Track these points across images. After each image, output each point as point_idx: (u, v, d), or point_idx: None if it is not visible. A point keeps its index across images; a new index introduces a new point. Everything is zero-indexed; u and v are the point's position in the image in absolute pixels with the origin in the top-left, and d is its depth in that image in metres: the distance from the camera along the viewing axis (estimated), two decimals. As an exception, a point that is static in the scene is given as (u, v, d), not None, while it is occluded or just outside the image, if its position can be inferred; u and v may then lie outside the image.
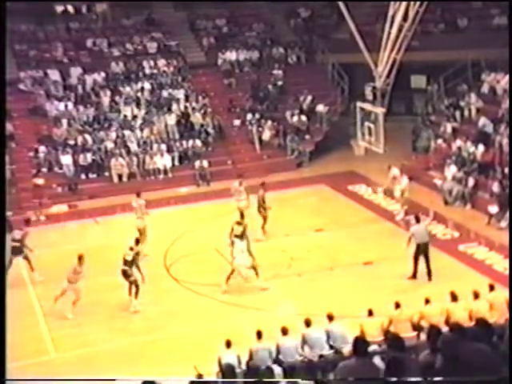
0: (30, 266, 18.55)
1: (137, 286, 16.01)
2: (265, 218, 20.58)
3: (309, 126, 29.32)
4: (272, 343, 12.01)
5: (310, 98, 30.22)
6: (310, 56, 32.52)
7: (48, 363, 14.31)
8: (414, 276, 16.93)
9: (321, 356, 11.72)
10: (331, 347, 12.00)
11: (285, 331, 12.18)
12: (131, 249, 16.19)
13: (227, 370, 10.67)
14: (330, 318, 12.70)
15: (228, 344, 12.01)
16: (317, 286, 17.06)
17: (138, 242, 16.52)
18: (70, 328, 15.67)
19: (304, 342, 12.10)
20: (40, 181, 24.99)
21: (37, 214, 23.49)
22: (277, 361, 11.60)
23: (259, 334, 12.04)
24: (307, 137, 28.83)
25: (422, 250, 16.90)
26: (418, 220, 17.62)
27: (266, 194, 20.81)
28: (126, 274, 15.99)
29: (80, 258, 16.17)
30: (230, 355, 11.66)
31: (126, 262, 16.04)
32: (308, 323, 12.38)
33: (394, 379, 6.84)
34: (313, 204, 23.46)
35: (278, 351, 11.83)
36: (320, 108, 29.85)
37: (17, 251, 18.42)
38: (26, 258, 18.59)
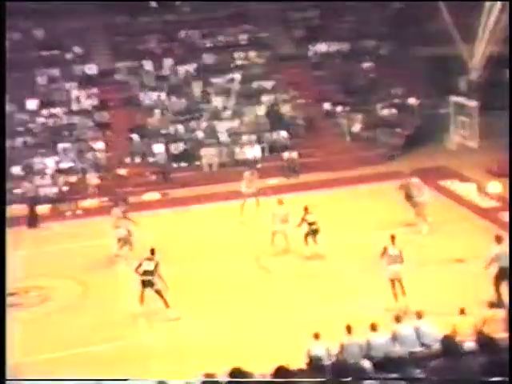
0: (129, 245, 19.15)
1: (161, 295, 15.61)
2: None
3: (400, 119, 28.96)
4: (362, 338, 12.01)
5: (401, 90, 29.82)
6: (402, 48, 32.02)
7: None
8: (497, 305, 13.93)
9: (411, 353, 11.62)
10: (422, 345, 11.90)
11: (374, 327, 12.16)
12: (149, 259, 15.83)
13: (315, 363, 10.75)
14: (419, 315, 12.58)
15: (317, 336, 12.06)
16: (406, 282, 16.83)
17: (153, 252, 15.97)
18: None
19: (394, 338, 12.04)
20: (122, 171, 25.66)
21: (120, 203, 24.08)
22: (367, 356, 11.60)
23: (349, 329, 12.07)
24: (398, 130, 28.49)
25: (503, 275, 14.85)
26: (499, 240, 15.25)
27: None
28: (150, 284, 15.56)
29: None
30: (318, 348, 11.72)
31: (146, 272, 15.64)
32: (398, 319, 12.31)
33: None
34: (403, 198, 23.13)
35: (369, 347, 11.82)
36: (412, 101, 29.43)
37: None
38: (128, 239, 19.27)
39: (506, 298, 14.54)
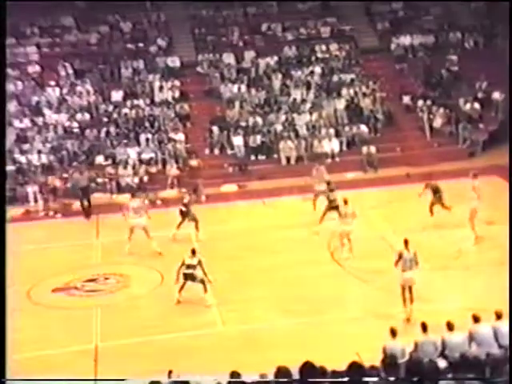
0: (196, 227, 19.93)
1: (204, 284, 16.03)
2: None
3: (483, 114, 28.26)
4: (438, 337, 11.81)
5: (485, 84, 29.08)
6: (488, 41, 31.21)
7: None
8: None
9: (488, 354, 11.35)
10: (500, 346, 11.60)
11: (450, 326, 11.93)
12: (193, 253, 16.20)
13: (390, 360, 10.65)
14: (498, 315, 12.26)
15: (393, 333, 11.92)
16: (485, 280, 16.45)
17: (193, 252, 16.28)
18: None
19: (471, 338, 11.78)
20: (194, 162, 25.92)
21: (192, 195, 24.27)
22: (442, 355, 11.40)
23: (424, 327, 11.88)
24: (481, 125, 27.81)
25: None
26: None
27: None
28: (192, 277, 16.00)
29: None
30: (394, 345, 11.59)
31: (189, 266, 16.03)
32: (476, 319, 12.03)
33: None
34: (484, 196, 22.49)
35: (444, 346, 11.62)
36: (496, 95, 28.67)
37: (185, 215, 20.09)
38: (194, 219, 20.03)
39: None
